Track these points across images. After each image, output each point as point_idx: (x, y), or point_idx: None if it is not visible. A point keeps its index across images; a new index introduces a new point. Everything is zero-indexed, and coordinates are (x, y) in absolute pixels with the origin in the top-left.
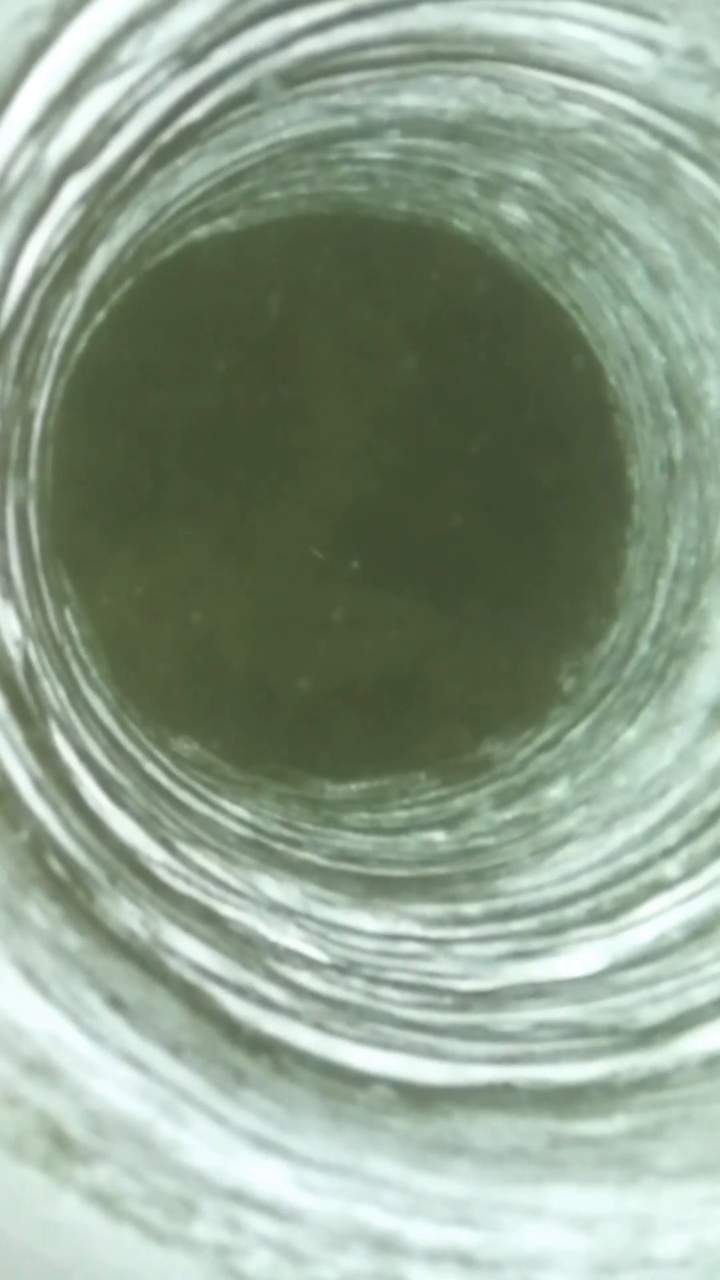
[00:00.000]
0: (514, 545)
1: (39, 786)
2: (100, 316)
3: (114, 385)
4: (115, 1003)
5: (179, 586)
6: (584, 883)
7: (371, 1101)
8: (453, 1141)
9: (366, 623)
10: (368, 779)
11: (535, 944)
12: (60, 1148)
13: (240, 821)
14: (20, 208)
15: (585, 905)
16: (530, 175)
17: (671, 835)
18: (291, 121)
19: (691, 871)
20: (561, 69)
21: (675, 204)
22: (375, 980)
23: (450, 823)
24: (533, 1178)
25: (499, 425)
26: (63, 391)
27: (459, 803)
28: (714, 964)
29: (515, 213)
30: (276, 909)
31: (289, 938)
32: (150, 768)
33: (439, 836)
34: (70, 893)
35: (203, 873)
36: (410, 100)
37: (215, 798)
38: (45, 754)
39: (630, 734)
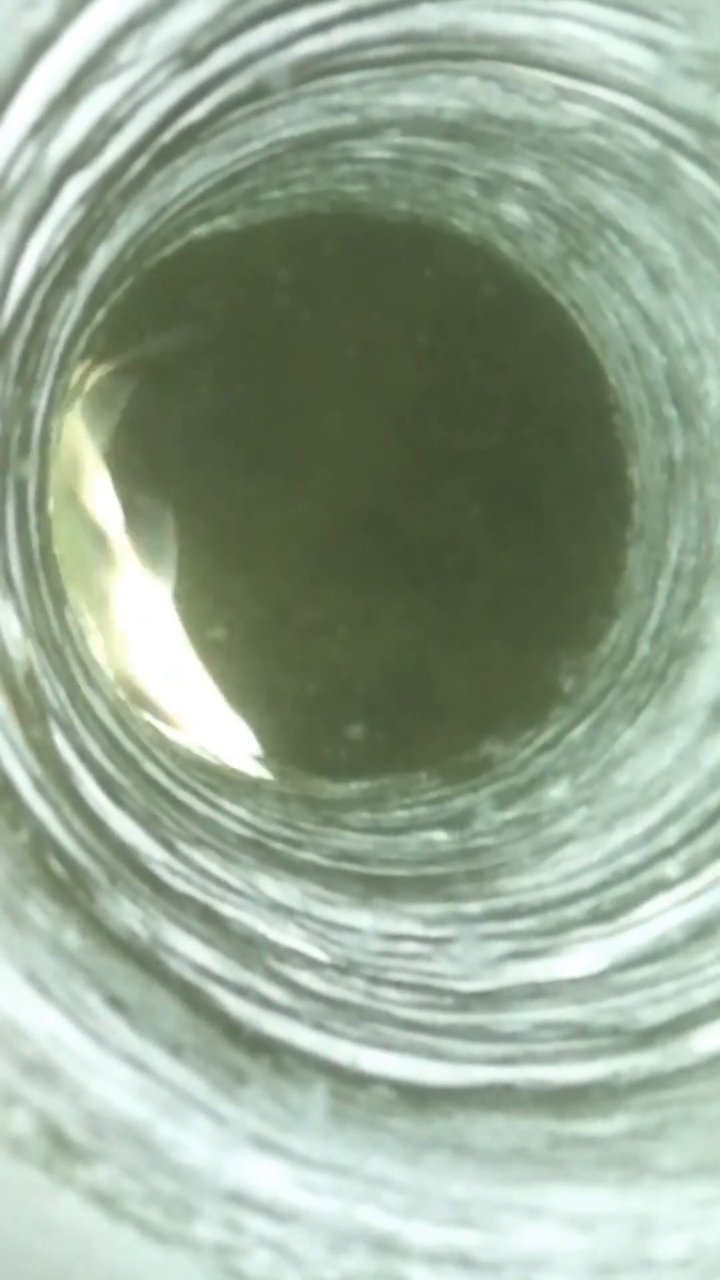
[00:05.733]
0: (514, 544)
1: (39, 786)
2: (100, 316)
3: (114, 385)
4: (115, 1003)
5: (178, 585)
6: (585, 882)
7: (372, 1101)
8: (453, 1142)
9: (367, 622)
10: (368, 779)
11: (536, 944)
12: (60, 1148)
13: (240, 821)
14: (21, 208)
15: (586, 905)
16: (530, 175)
17: (672, 835)
18: (291, 121)
19: (692, 871)
20: (562, 69)
21: (675, 204)
22: (375, 980)
23: (451, 822)
24: (533, 1178)
25: (499, 425)
26: (62, 391)
27: (460, 802)
28: (715, 964)
29: (515, 212)
30: (277, 908)
31: (289, 937)
32: (150, 768)
33: (440, 836)
34: (70, 893)
35: (203, 872)
36: (410, 100)
37: (215, 798)
38: (45, 754)
39: (630, 734)
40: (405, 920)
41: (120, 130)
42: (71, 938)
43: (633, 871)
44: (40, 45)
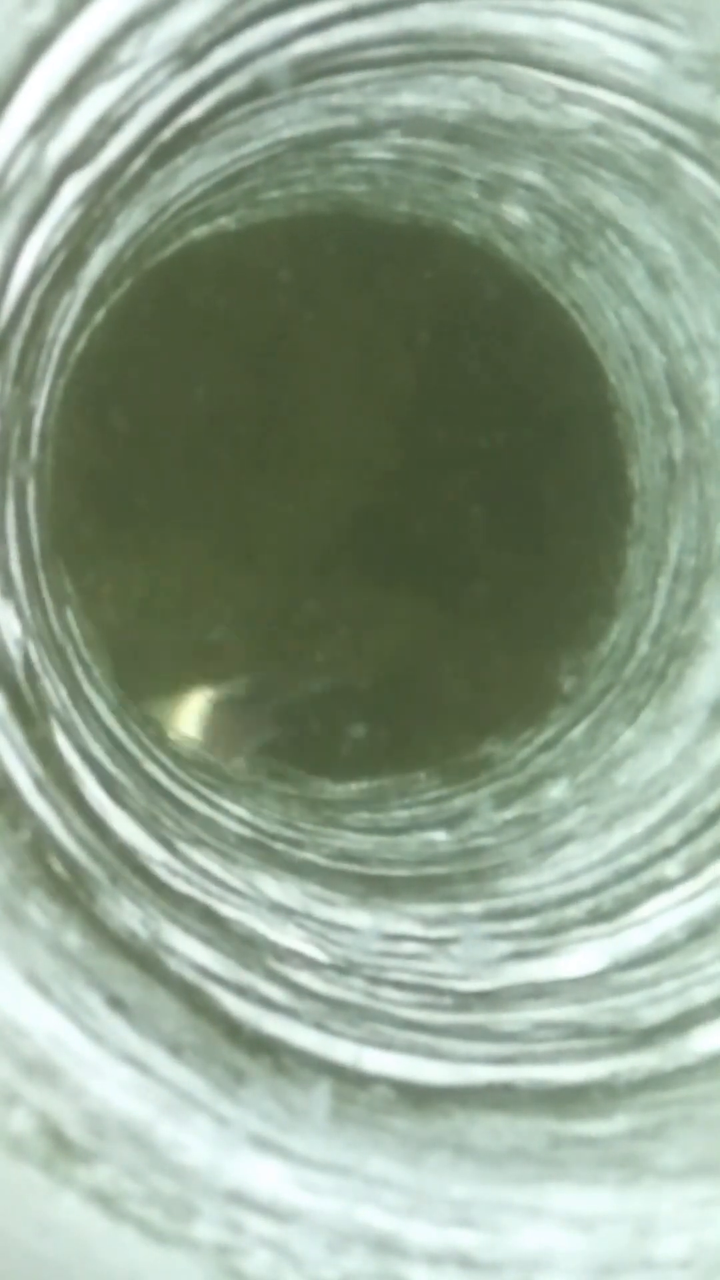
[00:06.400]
0: (514, 544)
1: (40, 786)
2: (100, 316)
3: (114, 385)
4: (115, 1003)
5: (179, 585)
6: (584, 882)
7: (372, 1101)
8: (453, 1141)
9: (366, 623)
10: (368, 779)
11: (535, 944)
12: (60, 1148)
13: (240, 821)
14: (20, 207)
15: (586, 905)
16: (531, 176)
17: (672, 835)
18: (291, 121)
19: (692, 871)
20: (562, 69)
21: (676, 204)
22: (375, 980)
23: (450, 822)
24: (533, 1178)
25: (499, 425)
26: (62, 391)
27: (459, 802)
28: (715, 964)
29: (516, 213)
30: (277, 909)
31: (289, 937)
32: (151, 767)
33: (439, 836)
34: (71, 893)
35: (203, 872)
36: (410, 100)
37: (216, 797)
38: (46, 753)
39: (630, 734)
40: (405, 920)
41: (119, 129)
42: (72, 938)
43: (633, 871)
44: (40, 45)
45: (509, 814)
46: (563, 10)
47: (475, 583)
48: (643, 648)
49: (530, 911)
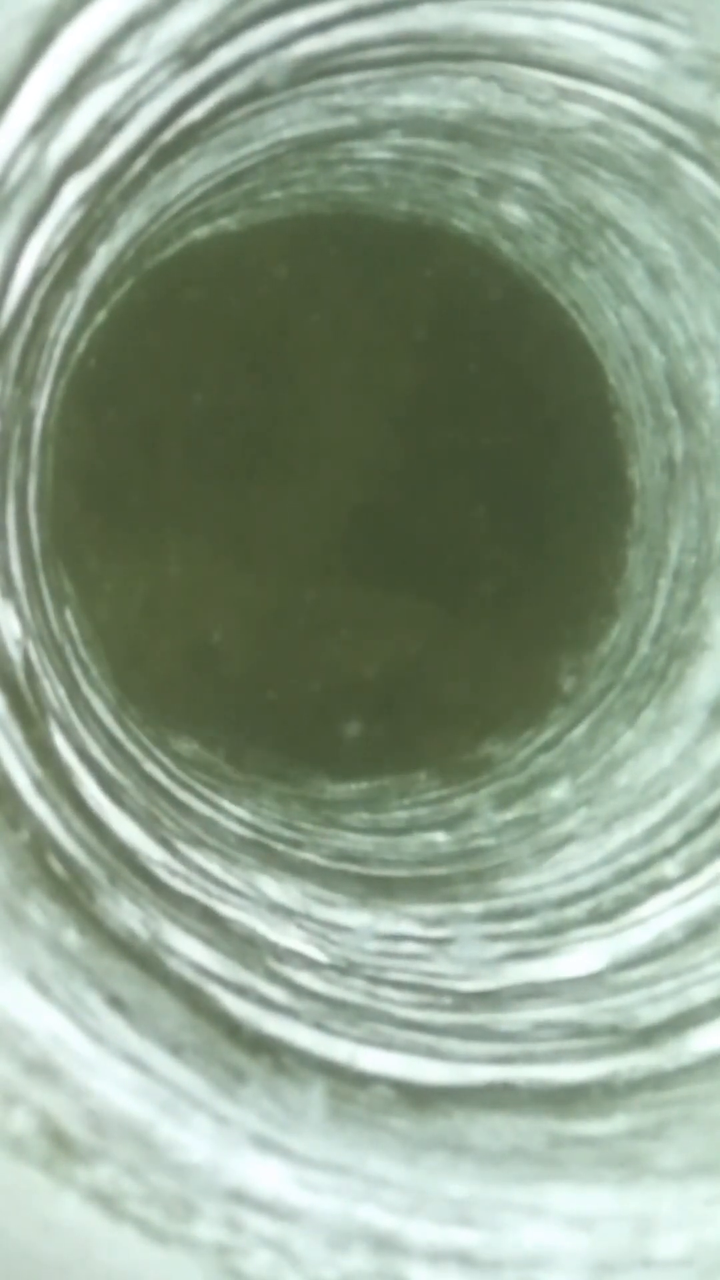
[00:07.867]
0: (514, 545)
1: (39, 786)
2: (100, 316)
3: (114, 385)
4: (115, 1002)
5: (179, 586)
6: (584, 883)
7: (372, 1101)
8: (453, 1141)
9: (367, 623)
10: (368, 779)
11: (535, 944)
12: (60, 1147)
13: (240, 821)
14: (21, 208)
15: (585, 905)
16: (530, 175)
17: (672, 835)
18: (292, 121)
19: (691, 871)
20: (562, 69)
21: (675, 204)
22: (375, 980)
23: (450, 823)
24: (533, 1177)
25: (499, 425)
26: (63, 391)
27: (459, 803)
28: (714, 963)
29: (515, 212)
30: (277, 909)
31: (289, 938)
32: (150, 767)
33: (439, 837)
34: (70, 892)
35: (203, 873)
36: (410, 100)
37: (215, 797)
38: (45, 753)
39: (630, 734)
40: (405, 920)
41: (120, 130)
42: (71, 937)
43: (632, 871)
44: (40, 45)
45: (509, 815)
46: (562, 10)
47: (475, 583)
48: (643, 648)
49: (530, 912)
